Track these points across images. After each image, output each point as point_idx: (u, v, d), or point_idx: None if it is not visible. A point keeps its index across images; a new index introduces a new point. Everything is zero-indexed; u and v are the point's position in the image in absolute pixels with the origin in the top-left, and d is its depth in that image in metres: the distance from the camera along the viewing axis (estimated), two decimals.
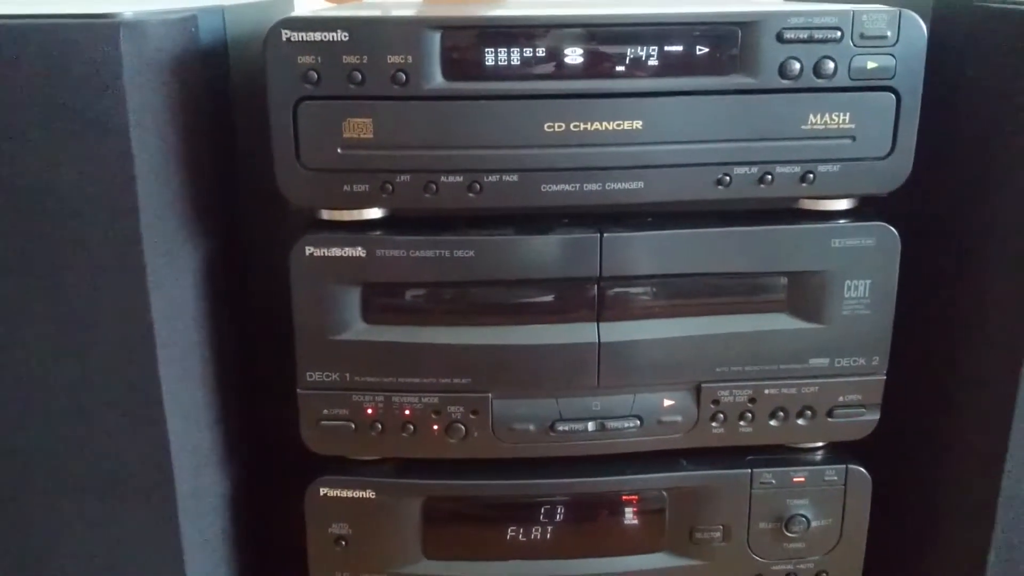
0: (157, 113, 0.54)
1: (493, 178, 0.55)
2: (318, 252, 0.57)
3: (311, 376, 0.60)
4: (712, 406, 0.62)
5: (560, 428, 0.61)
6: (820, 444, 0.65)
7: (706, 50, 0.54)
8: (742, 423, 0.62)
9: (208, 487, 0.63)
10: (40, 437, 0.57)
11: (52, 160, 0.51)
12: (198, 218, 0.59)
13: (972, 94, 0.59)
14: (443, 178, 0.55)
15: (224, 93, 0.63)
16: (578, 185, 0.56)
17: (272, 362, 0.74)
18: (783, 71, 0.54)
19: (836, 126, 0.56)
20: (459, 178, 0.55)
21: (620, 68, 0.54)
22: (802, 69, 0.54)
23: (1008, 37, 0.56)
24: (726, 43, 0.54)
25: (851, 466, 0.64)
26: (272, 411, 0.74)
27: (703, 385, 0.61)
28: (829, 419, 0.62)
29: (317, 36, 0.51)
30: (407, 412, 0.61)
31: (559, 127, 0.54)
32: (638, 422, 0.62)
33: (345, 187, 0.55)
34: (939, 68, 0.59)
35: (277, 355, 0.72)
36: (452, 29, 0.52)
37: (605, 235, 0.58)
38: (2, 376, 0.56)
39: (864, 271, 0.59)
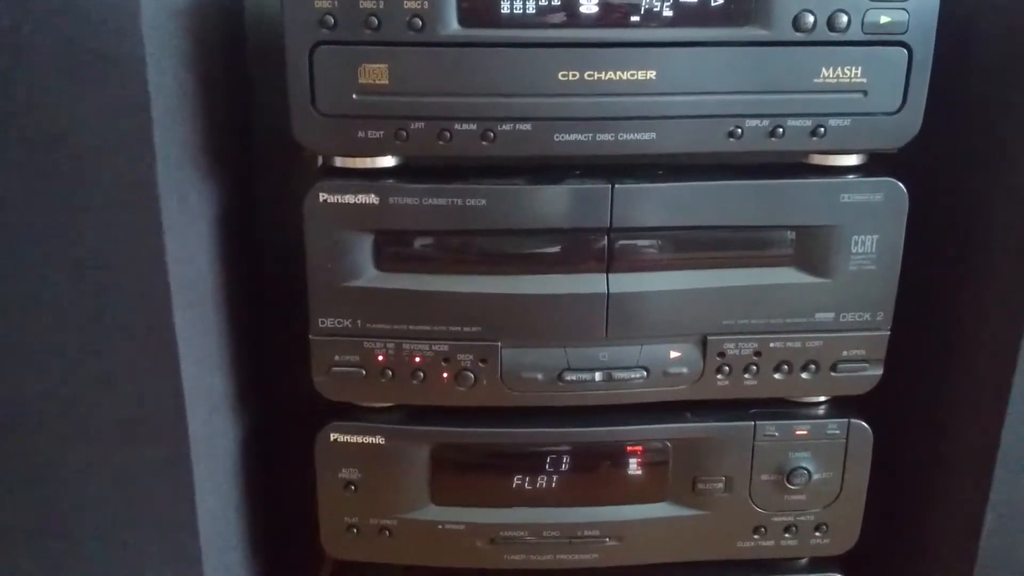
0: (174, 59, 0.54)
1: (507, 127, 0.55)
2: (331, 199, 0.57)
3: (323, 323, 0.60)
4: (718, 358, 0.62)
5: (568, 378, 0.62)
6: (823, 399, 0.66)
7: (720, 1, 0.54)
8: (747, 376, 0.63)
9: (220, 432, 0.64)
10: (58, 380, 0.58)
11: (70, 103, 0.52)
12: (212, 165, 0.60)
13: (984, 51, 0.59)
14: (457, 126, 0.55)
15: (240, 41, 0.63)
16: (591, 135, 0.56)
17: (282, 311, 0.74)
18: (797, 24, 0.54)
19: (848, 80, 0.56)
20: (473, 126, 0.55)
21: (635, 18, 0.54)
22: (815, 22, 0.54)
23: None
24: None
25: (853, 420, 0.65)
26: (281, 359, 0.75)
27: (709, 337, 0.62)
28: (833, 373, 0.63)
29: None
30: (417, 359, 0.61)
31: (573, 76, 0.54)
32: (644, 373, 0.62)
33: (360, 134, 0.56)
34: (951, 24, 0.58)
35: (287, 305, 0.72)
36: None
37: (616, 186, 0.58)
38: (20, 321, 0.56)
39: (872, 227, 0.59)
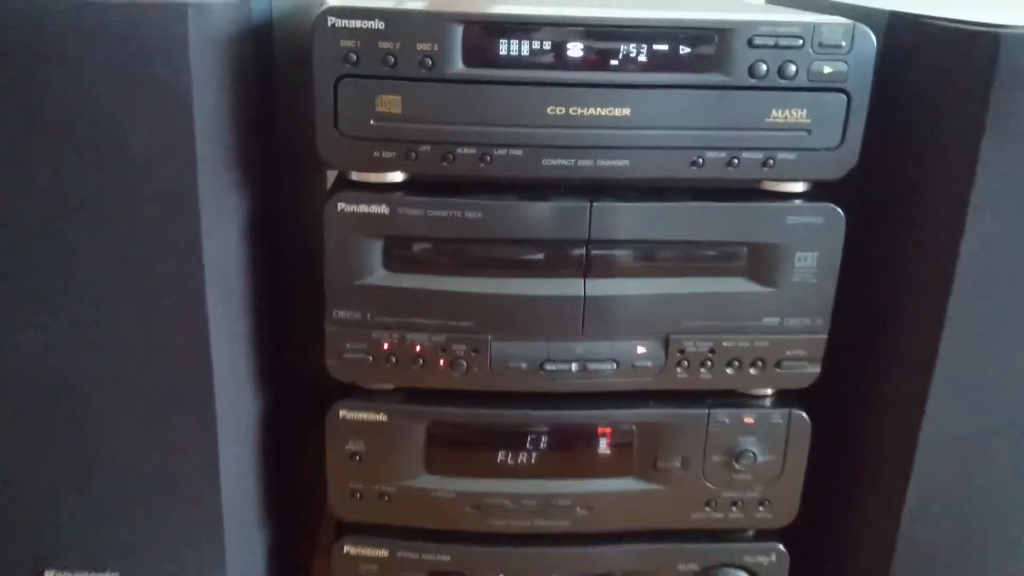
0: (213, 83, 0.57)
1: (501, 151, 0.59)
2: (348, 208, 0.61)
3: (337, 314, 0.63)
4: (678, 354, 0.65)
5: (548, 367, 0.65)
6: (769, 391, 0.69)
7: (687, 51, 0.58)
8: (703, 370, 0.66)
9: (243, 407, 0.67)
10: (103, 359, 0.60)
11: (127, 120, 0.55)
12: (243, 175, 0.63)
13: (914, 98, 0.63)
14: (459, 150, 0.59)
15: (269, 66, 0.66)
16: (573, 161, 0.59)
17: (298, 304, 0.78)
18: (752, 71, 0.58)
19: (795, 120, 0.59)
20: (472, 150, 0.59)
21: (613, 62, 0.58)
22: (768, 70, 0.58)
23: (941, 50, 0.59)
24: (705, 45, 0.58)
25: (794, 411, 0.68)
26: (298, 345, 0.79)
27: (671, 336, 0.65)
28: (777, 370, 0.66)
29: (357, 24, 0.55)
30: (418, 348, 0.64)
31: (560, 111, 0.58)
32: (615, 365, 0.65)
33: (375, 153, 0.59)
34: (889, 73, 0.63)
35: (303, 298, 0.76)
36: (472, 23, 0.56)
37: (594, 204, 0.61)
38: (76, 306, 0.59)
39: (813, 245, 0.63)
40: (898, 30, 0.64)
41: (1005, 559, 0.69)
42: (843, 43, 0.58)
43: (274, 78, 0.67)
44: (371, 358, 0.65)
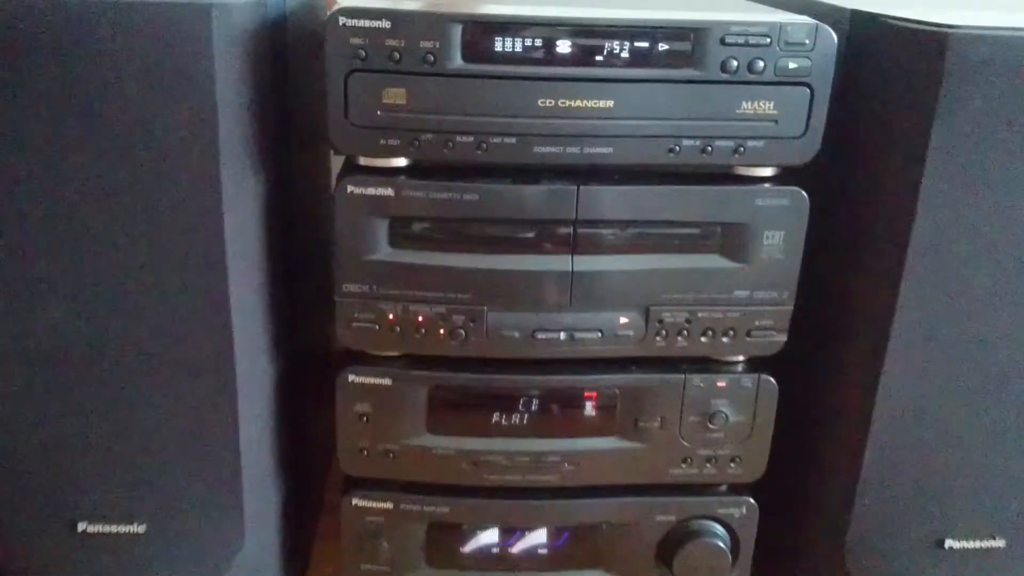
0: (235, 74, 0.59)
1: (496, 139, 0.61)
2: (357, 190, 0.63)
3: (346, 288, 0.65)
4: (657, 324, 0.67)
5: (539, 336, 0.67)
6: (740, 358, 0.71)
7: (665, 48, 0.60)
8: (679, 338, 0.68)
9: (259, 371, 0.69)
10: (132, 326, 0.63)
11: (156, 109, 0.57)
12: (260, 159, 0.65)
13: (872, 90, 0.64)
14: (458, 138, 0.61)
15: (282, 59, 0.68)
16: (562, 148, 0.61)
17: (306, 278, 0.80)
18: (724, 67, 0.60)
19: (763, 111, 0.61)
20: (470, 138, 0.61)
21: (598, 58, 0.60)
22: (738, 66, 0.60)
23: (897, 46, 0.61)
24: (681, 43, 0.60)
25: (762, 376, 0.70)
26: (310, 315, 0.81)
27: (651, 307, 0.67)
28: (747, 338, 0.68)
29: (366, 23, 0.57)
30: (420, 319, 0.66)
31: (549, 102, 0.60)
32: (599, 334, 0.67)
33: (381, 140, 0.61)
34: (850, 67, 0.64)
35: (310, 273, 0.79)
36: (470, 23, 0.58)
37: (581, 187, 0.63)
38: (106, 279, 0.61)
39: (780, 224, 0.65)
40: (859, 27, 0.65)
41: (957, 515, 0.71)
42: (807, 41, 0.60)
43: (288, 72, 0.69)
44: (377, 327, 0.66)
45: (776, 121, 0.62)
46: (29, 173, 0.59)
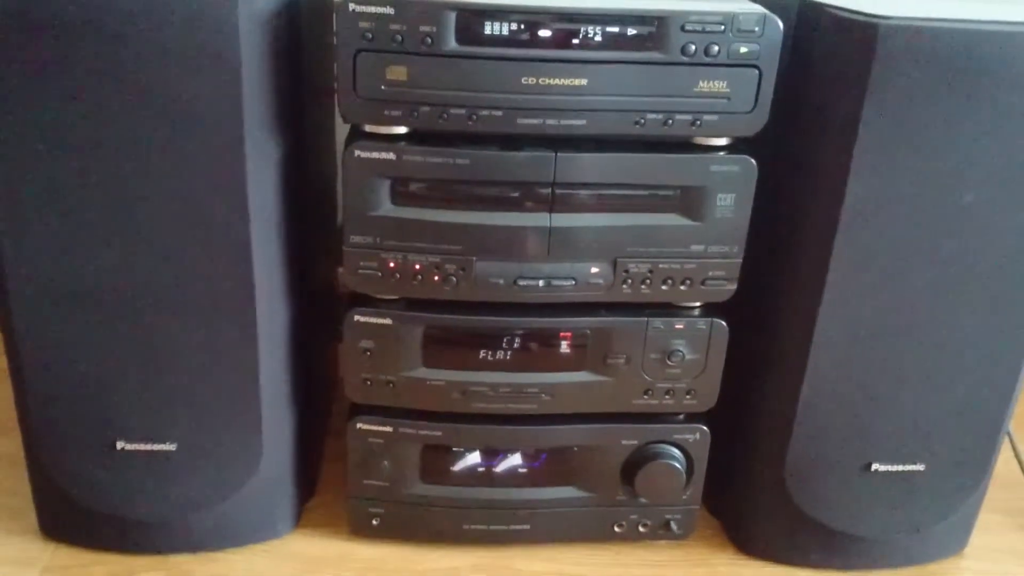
0: (258, 51, 0.63)
1: (485, 112, 0.64)
2: (363, 155, 0.67)
3: (354, 239, 0.69)
4: (624, 274, 0.71)
5: (521, 283, 0.70)
6: (696, 304, 0.75)
7: (633, 33, 0.63)
8: (643, 286, 0.72)
9: (276, 313, 0.74)
10: (168, 271, 0.68)
11: (187, 84, 0.61)
12: (278, 126, 0.69)
13: (815, 72, 0.68)
14: (451, 110, 0.64)
15: (297, 37, 0.71)
16: (542, 120, 0.65)
17: (318, 231, 0.85)
18: (683, 50, 0.64)
19: (717, 90, 0.65)
20: (462, 111, 0.64)
21: (574, 41, 0.63)
22: (696, 50, 0.64)
23: (836, 33, 0.65)
24: (647, 29, 0.63)
25: (715, 320, 0.75)
26: (317, 265, 0.86)
27: (618, 259, 0.71)
28: (702, 287, 0.72)
29: (372, 9, 0.61)
30: (417, 267, 0.70)
31: (532, 80, 0.64)
32: (574, 282, 0.71)
33: (385, 112, 0.64)
34: (798, 50, 0.69)
35: (321, 226, 0.84)
36: (463, 10, 0.62)
37: (559, 154, 0.67)
38: (145, 229, 0.66)
39: (731, 187, 0.69)
40: (806, 15, 0.70)
41: (883, 442, 0.76)
42: (756, 29, 0.64)
43: (301, 49, 0.73)
44: (380, 274, 0.70)
45: (729, 98, 0.66)
46: (81, 140, 0.63)
